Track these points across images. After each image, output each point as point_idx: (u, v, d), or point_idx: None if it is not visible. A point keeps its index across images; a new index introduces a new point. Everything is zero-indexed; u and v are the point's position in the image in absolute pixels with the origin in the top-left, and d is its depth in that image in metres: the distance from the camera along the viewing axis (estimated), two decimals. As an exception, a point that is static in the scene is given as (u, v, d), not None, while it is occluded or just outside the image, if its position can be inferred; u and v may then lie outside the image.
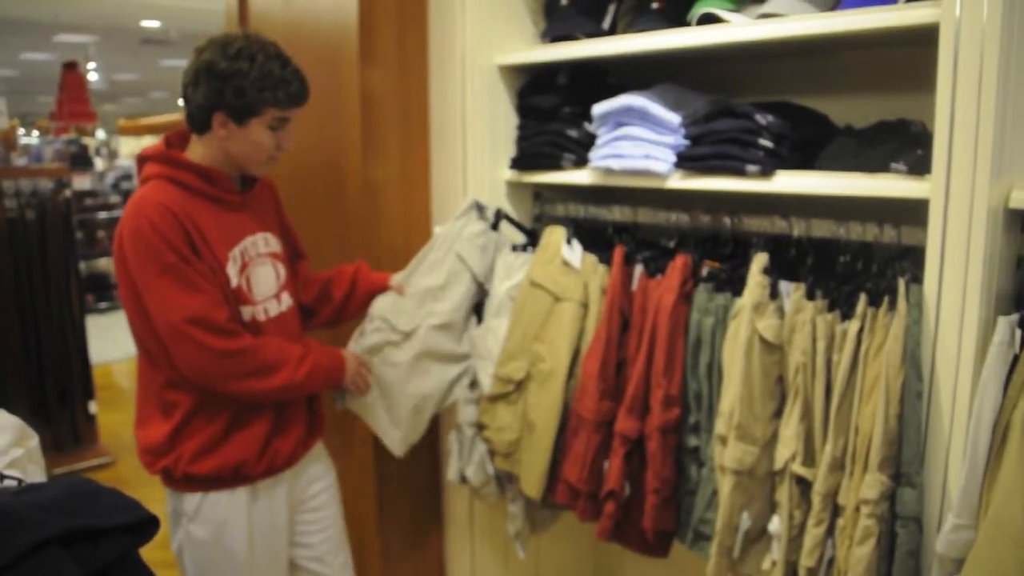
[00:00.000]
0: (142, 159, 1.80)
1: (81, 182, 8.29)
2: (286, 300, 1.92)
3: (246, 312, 1.81)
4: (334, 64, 2.32)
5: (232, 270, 1.78)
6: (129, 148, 14.75)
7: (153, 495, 4.20)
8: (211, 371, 1.71)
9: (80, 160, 9.20)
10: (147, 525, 1.06)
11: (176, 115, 15.86)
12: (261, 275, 1.86)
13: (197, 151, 1.78)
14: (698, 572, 1.72)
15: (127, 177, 10.34)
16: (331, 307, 2.10)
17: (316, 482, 2.03)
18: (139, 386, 1.85)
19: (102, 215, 8.69)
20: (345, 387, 2.01)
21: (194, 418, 1.78)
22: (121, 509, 1.04)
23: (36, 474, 1.37)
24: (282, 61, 1.72)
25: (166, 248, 1.66)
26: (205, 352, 1.69)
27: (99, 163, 11.01)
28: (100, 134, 14.68)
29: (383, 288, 2.11)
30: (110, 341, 6.62)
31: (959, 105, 1.37)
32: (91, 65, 10.97)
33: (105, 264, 8.41)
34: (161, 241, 1.65)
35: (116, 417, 5.22)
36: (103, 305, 8.16)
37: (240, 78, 1.67)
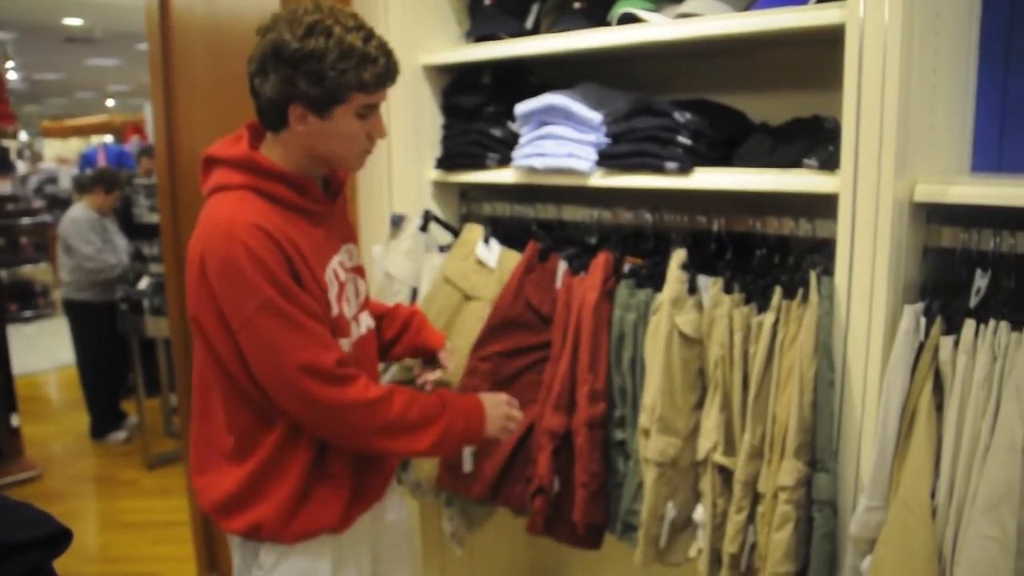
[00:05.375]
0: (212, 161, 1.50)
1: (1, 187, 8.02)
2: (365, 321, 1.64)
3: (344, 345, 1.53)
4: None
5: (332, 296, 1.51)
6: (54, 151, 14.34)
7: (82, 507, 4.09)
8: (324, 424, 1.47)
9: None
10: (60, 538, 1.04)
11: (105, 116, 15.47)
12: (350, 295, 1.58)
13: (276, 152, 1.47)
14: (631, 561, 1.75)
15: (52, 180, 10.04)
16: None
17: (391, 513, 1.77)
18: (196, 429, 1.58)
19: (25, 221, 8.43)
20: (487, 439, 1.66)
21: (269, 470, 1.50)
22: (31, 523, 1.02)
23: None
24: (364, 34, 1.41)
25: (266, 281, 1.37)
26: (315, 405, 1.42)
27: (21, 166, 10.67)
28: (22, 136, 14.22)
29: (430, 352, 1.82)
30: (36, 351, 6.40)
31: (864, 102, 1.42)
32: (10, 64, 10.59)
33: (30, 271, 8.18)
34: (260, 272, 1.37)
35: (43, 429, 5.08)
36: (28, 314, 7.95)
37: (315, 60, 1.36)
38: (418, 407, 1.51)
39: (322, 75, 1.37)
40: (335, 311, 1.51)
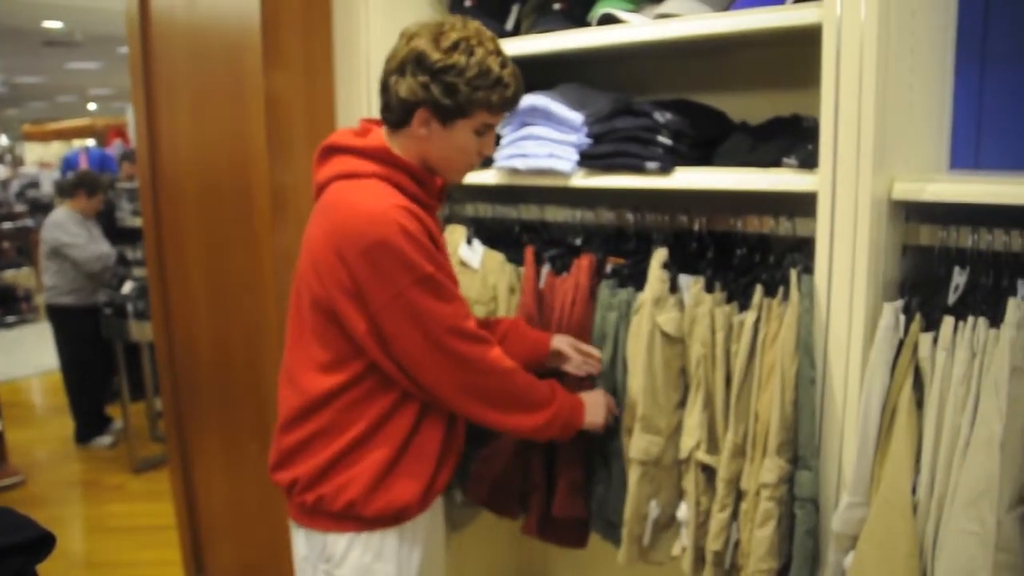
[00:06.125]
0: (334, 149, 1.57)
1: (-18, 191, 7.99)
2: None
3: None
4: (239, 67, 2.28)
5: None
6: (36, 155, 14.24)
7: (67, 513, 4.08)
8: (459, 383, 1.53)
9: (-20, 168, 8.86)
10: (42, 543, 1.03)
11: (86, 120, 15.36)
12: None
13: (394, 147, 1.55)
14: (616, 561, 1.75)
15: (33, 185, 9.97)
16: None
17: (438, 516, 1.80)
18: (288, 415, 1.61)
19: (7, 225, 8.37)
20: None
21: (368, 440, 1.55)
22: (13, 529, 1.02)
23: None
24: (502, 59, 1.51)
25: (424, 258, 1.46)
26: (459, 360, 1.50)
27: (2, 171, 10.60)
28: (3, 140, 14.13)
29: (541, 351, 1.78)
30: (18, 356, 6.36)
31: (842, 101, 1.42)
32: (-10, 68, 10.54)
33: (12, 276, 8.11)
34: (417, 250, 1.45)
35: (27, 434, 5.04)
36: (11, 319, 7.89)
37: (454, 73, 1.46)
38: (539, 388, 1.61)
39: (456, 88, 1.47)
40: None
